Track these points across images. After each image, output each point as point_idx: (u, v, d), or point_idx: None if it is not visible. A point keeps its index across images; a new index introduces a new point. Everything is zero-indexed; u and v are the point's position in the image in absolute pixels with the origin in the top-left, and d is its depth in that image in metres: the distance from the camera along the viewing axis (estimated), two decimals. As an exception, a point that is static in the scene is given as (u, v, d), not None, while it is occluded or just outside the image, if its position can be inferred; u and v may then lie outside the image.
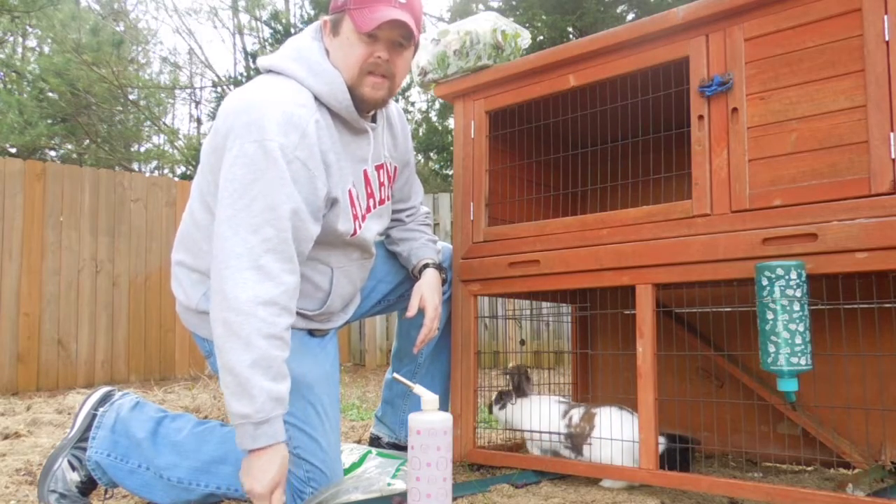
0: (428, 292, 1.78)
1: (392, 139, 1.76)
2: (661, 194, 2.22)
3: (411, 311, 1.77)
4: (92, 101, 10.25)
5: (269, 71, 1.55)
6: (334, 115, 1.54)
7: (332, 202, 1.53)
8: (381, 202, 1.71)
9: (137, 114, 11.54)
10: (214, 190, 1.47)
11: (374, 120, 1.66)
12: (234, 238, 1.36)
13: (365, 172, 1.63)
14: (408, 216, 1.93)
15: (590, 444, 1.78)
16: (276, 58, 1.56)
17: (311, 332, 1.65)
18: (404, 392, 2.02)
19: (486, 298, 5.06)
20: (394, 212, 1.89)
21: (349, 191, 1.58)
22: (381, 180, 1.70)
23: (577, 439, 1.82)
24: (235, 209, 1.37)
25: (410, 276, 1.88)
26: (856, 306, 1.66)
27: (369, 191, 1.65)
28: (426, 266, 1.83)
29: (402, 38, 1.52)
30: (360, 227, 1.62)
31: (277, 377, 1.36)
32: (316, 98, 1.51)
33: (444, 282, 1.87)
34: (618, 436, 1.73)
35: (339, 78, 1.51)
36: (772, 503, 1.45)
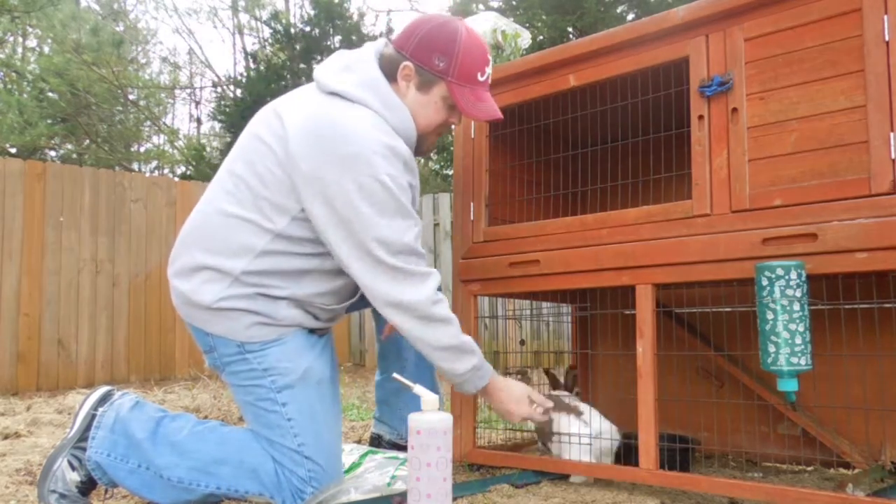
0: None
1: None
2: (661, 194, 2.22)
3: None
4: (92, 101, 10.25)
5: (335, 94, 1.56)
6: None
7: None
8: None
9: (137, 114, 11.54)
10: (280, 200, 1.51)
11: None
12: (395, 265, 1.49)
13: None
14: None
15: (556, 440, 1.84)
16: (348, 84, 1.56)
17: (312, 330, 1.64)
18: (397, 389, 2.01)
19: (486, 298, 5.06)
20: None
21: None
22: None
23: (542, 435, 1.90)
24: (370, 234, 1.47)
25: None
26: (856, 306, 1.66)
27: None
28: None
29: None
30: None
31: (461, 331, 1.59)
32: None
33: None
34: (574, 430, 1.79)
35: (409, 115, 1.60)
36: (772, 503, 1.45)
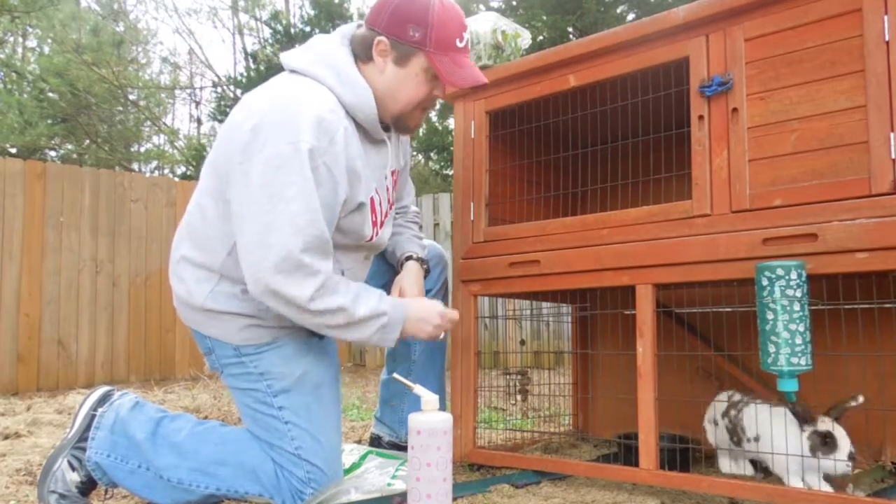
0: (407, 283, 1.78)
1: (397, 145, 1.78)
2: (662, 194, 2.22)
3: None
4: (92, 101, 10.26)
5: (294, 71, 1.56)
6: (357, 124, 1.56)
7: (359, 205, 1.56)
8: (391, 206, 1.75)
9: (137, 114, 11.55)
10: (229, 180, 1.48)
11: (386, 129, 1.68)
12: (278, 241, 1.40)
13: (384, 179, 1.66)
14: (398, 214, 1.94)
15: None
16: (303, 60, 1.55)
17: (313, 332, 1.64)
18: (402, 391, 2.02)
19: (486, 298, 5.06)
20: None
21: (371, 198, 1.61)
22: (393, 186, 1.75)
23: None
24: (276, 212, 1.40)
25: (396, 271, 1.88)
26: (856, 306, 1.66)
27: (387, 197, 1.69)
28: (408, 259, 1.83)
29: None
30: (377, 233, 1.66)
31: (364, 294, 1.52)
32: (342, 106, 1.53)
33: (426, 273, 1.86)
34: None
35: (368, 91, 1.54)
36: (772, 503, 1.45)
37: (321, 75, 1.52)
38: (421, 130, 9.87)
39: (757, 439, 1.70)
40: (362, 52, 1.58)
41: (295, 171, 1.40)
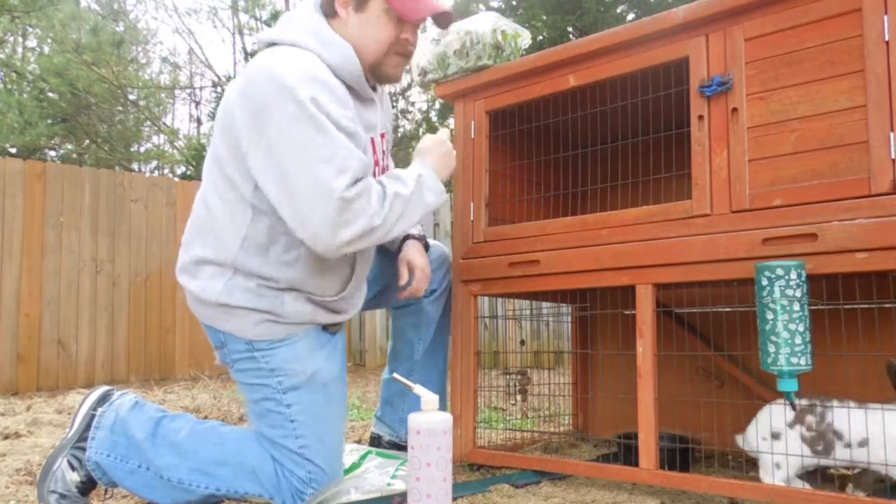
0: (412, 255, 1.79)
1: (381, 106, 1.77)
2: (661, 194, 2.22)
3: (402, 279, 1.77)
4: (92, 101, 10.25)
5: (274, 44, 1.55)
6: (346, 85, 1.56)
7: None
8: (384, 171, 1.73)
9: (137, 114, 11.54)
10: (236, 166, 1.49)
11: (373, 89, 1.68)
12: (319, 192, 1.39)
13: (372, 140, 1.65)
14: None
15: None
16: (283, 32, 1.56)
17: (325, 328, 1.64)
18: (402, 390, 2.02)
19: (486, 298, 5.06)
20: None
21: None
22: (384, 148, 1.73)
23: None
24: (308, 168, 1.39)
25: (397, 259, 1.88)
26: (856, 306, 1.66)
27: (375, 158, 1.67)
28: (407, 238, 1.84)
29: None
30: None
31: (393, 177, 1.53)
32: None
33: (425, 248, 1.87)
34: None
35: (349, 49, 1.55)
36: (772, 503, 1.45)
37: (303, 41, 1.53)
38: (420, 130, 9.88)
39: (863, 444, 1.46)
40: (329, 10, 1.59)
41: (306, 120, 1.40)
